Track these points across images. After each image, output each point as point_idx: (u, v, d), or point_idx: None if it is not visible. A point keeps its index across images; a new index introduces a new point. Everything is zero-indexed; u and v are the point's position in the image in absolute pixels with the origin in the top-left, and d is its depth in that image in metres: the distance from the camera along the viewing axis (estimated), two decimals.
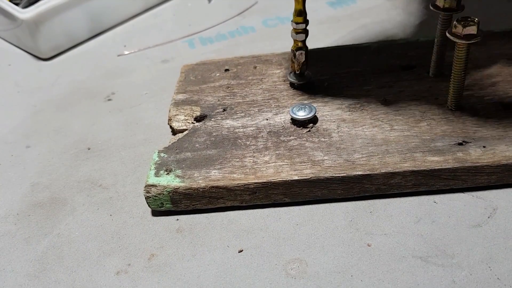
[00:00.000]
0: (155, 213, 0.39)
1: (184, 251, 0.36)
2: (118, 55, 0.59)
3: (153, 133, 0.47)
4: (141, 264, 0.36)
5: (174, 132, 0.44)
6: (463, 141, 0.38)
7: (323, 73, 0.47)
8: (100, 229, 0.39)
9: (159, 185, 0.38)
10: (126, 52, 0.59)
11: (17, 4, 0.57)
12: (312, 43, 0.56)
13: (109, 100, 0.52)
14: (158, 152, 0.41)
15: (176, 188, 0.38)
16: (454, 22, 0.38)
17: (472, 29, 0.37)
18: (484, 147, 0.38)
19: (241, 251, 0.36)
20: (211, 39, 0.60)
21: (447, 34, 0.38)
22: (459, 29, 0.38)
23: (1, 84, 0.56)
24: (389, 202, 0.38)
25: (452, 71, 0.40)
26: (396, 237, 0.36)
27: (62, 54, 0.60)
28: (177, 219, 0.39)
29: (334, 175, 0.37)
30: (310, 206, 0.38)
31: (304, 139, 0.40)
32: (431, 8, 0.42)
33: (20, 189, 0.43)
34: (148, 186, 0.38)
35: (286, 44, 0.57)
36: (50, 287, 0.35)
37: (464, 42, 0.38)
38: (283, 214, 0.38)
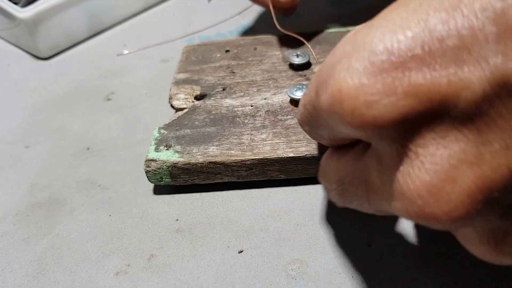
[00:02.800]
0: (155, 213, 0.39)
1: (184, 251, 0.36)
2: (118, 55, 0.59)
3: (153, 132, 0.46)
4: (141, 265, 0.36)
5: (175, 110, 0.45)
6: None
7: (322, 55, 0.48)
8: (99, 229, 0.39)
9: (159, 160, 0.39)
10: (126, 52, 0.59)
11: (16, 3, 0.57)
12: None
13: (109, 99, 0.52)
14: (158, 129, 0.42)
15: (175, 163, 0.39)
16: None
17: None
18: None
19: (241, 251, 0.36)
20: (211, 39, 0.59)
21: None
22: None
23: (0, 84, 0.56)
24: None
25: None
26: (396, 237, 0.36)
27: (61, 53, 0.59)
28: (177, 219, 0.39)
29: None
30: (311, 206, 0.38)
31: None
32: None
33: (19, 189, 0.43)
34: (148, 161, 0.39)
35: None
36: (49, 287, 0.35)
37: None
38: (283, 214, 0.38)
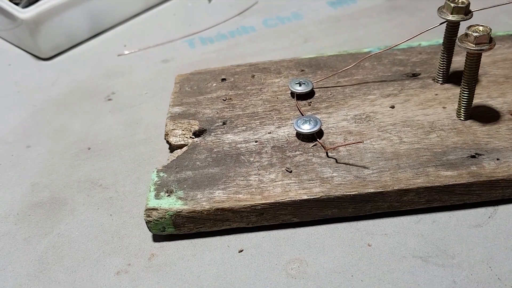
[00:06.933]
0: None
1: (184, 251, 0.36)
2: (118, 55, 0.59)
3: (153, 133, 0.47)
4: (141, 264, 0.36)
5: (172, 147, 0.41)
6: (476, 154, 0.37)
7: (324, 81, 0.45)
8: (100, 229, 0.39)
9: (161, 209, 0.36)
10: (126, 52, 0.59)
11: (17, 4, 0.57)
12: (313, 43, 0.57)
13: (109, 100, 0.52)
14: (157, 172, 0.38)
15: (179, 212, 0.35)
16: (465, 31, 0.36)
17: (484, 38, 0.36)
18: (497, 159, 0.36)
19: (241, 251, 0.36)
20: (211, 39, 0.60)
21: (458, 43, 0.37)
22: (470, 38, 0.36)
23: (1, 84, 0.56)
24: None
25: (462, 81, 0.38)
26: (396, 237, 0.36)
27: (62, 54, 0.60)
28: None
29: (345, 193, 0.35)
30: None
31: (311, 154, 0.38)
32: (439, 15, 0.39)
33: (20, 189, 0.43)
34: (149, 210, 0.36)
35: (285, 43, 0.57)
36: (50, 287, 0.35)
37: (476, 51, 0.36)
38: None
